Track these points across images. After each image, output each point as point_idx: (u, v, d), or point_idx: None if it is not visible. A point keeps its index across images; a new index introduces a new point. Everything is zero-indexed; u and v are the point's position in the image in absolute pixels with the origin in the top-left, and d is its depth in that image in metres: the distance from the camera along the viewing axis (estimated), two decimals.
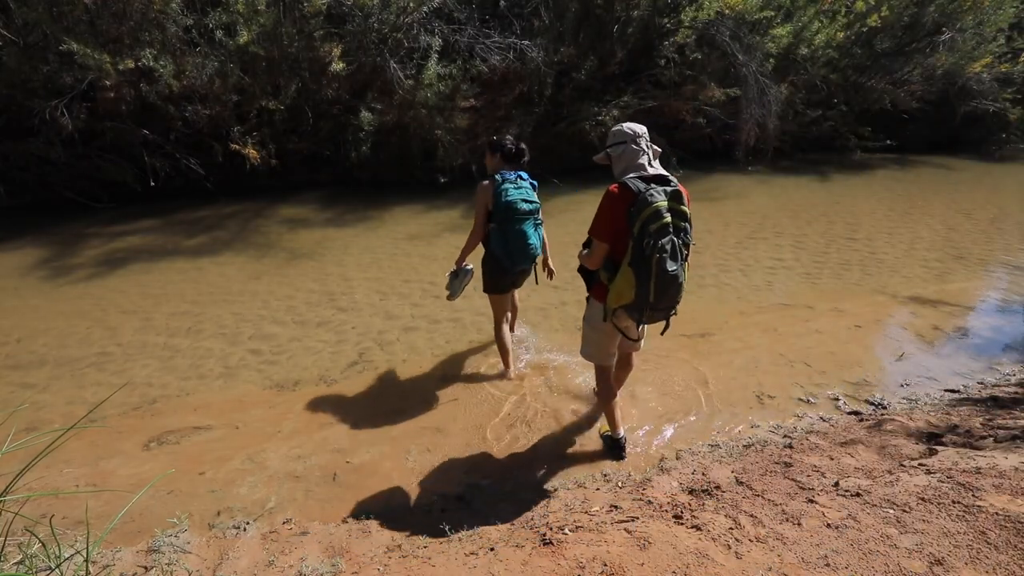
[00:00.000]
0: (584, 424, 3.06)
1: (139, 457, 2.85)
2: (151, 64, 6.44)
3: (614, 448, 2.79)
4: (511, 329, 3.71)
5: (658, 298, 2.24)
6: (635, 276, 2.21)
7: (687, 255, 2.26)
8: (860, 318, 4.40)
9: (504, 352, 3.49)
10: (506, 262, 3.15)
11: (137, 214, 7.13)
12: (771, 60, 9.87)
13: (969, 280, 5.29)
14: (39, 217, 6.97)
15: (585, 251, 2.41)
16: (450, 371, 3.64)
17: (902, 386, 3.50)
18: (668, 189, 2.19)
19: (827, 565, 1.69)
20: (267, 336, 4.14)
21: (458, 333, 4.16)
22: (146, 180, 7.14)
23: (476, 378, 3.56)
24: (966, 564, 1.65)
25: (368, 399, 3.35)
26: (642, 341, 2.74)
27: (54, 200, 7.25)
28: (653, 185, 2.19)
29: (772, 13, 9.53)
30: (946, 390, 3.45)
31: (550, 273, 3.53)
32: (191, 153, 7.41)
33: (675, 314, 2.41)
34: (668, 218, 2.15)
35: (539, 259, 3.37)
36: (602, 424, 2.98)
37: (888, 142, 11.53)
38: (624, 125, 2.37)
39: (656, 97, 9.41)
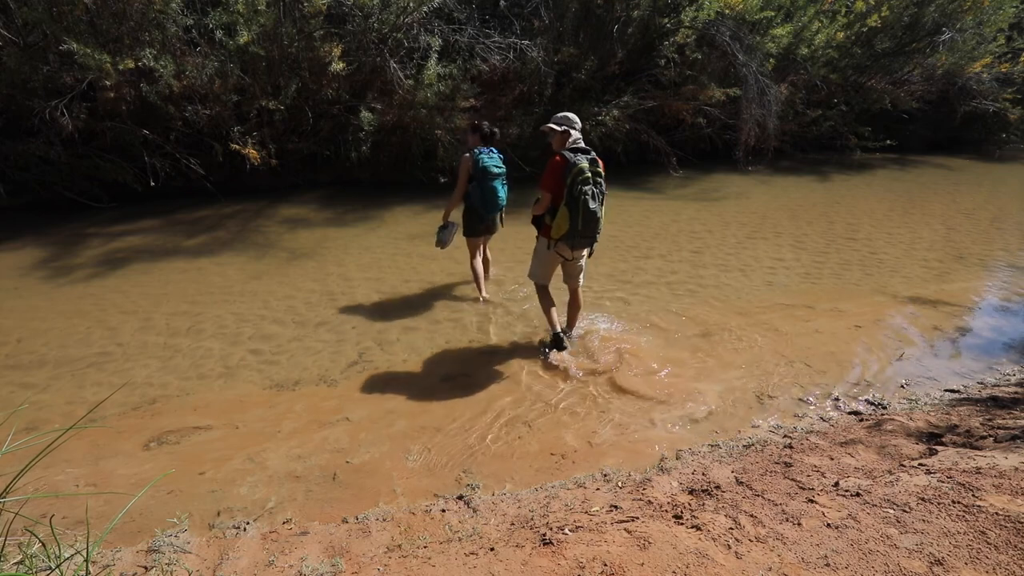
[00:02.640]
0: (584, 424, 3.06)
1: (139, 457, 2.85)
2: (151, 64, 6.43)
3: (555, 341, 3.78)
4: (485, 276, 4.79)
5: (584, 227, 3.37)
6: (569, 212, 3.35)
7: (603, 199, 3.41)
8: (860, 318, 4.40)
9: (477, 279, 4.65)
10: (482, 211, 4.36)
11: (137, 214, 7.13)
12: (771, 60, 9.86)
13: (969, 280, 5.29)
14: (39, 217, 6.97)
15: (536, 202, 3.53)
16: (450, 371, 3.64)
17: (902, 386, 3.50)
18: (588, 157, 3.35)
19: (827, 565, 1.69)
20: (267, 336, 4.14)
21: (458, 333, 4.16)
22: (146, 180, 7.13)
23: (476, 378, 3.56)
24: (966, 564, 1.65)
25: (368, 399, 3.35)
26: (582, 276, 3.84)
27: (54, 200, 7.24)
28: (579, 155, 3.34)
29: (772, 13, 9.53)
30: (946, 390, 3.45)
31: (502, 220, 4.69)
32: (191, 153, 7.40)
33: (596, 242, 3.54)
34: (589, 175, 3.31)
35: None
36: (544, 335, 4.01)
37: (888, 142, 11.53)
38: (569, 115, 3.47)
39: (656, 97, 9.41)
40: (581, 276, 3.83)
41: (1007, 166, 11.83)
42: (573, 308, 3.94)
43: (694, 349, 3.91)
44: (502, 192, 4.34)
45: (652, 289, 4.93)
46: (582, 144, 3.41)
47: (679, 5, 8.90)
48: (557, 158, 3.37)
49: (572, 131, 3.41)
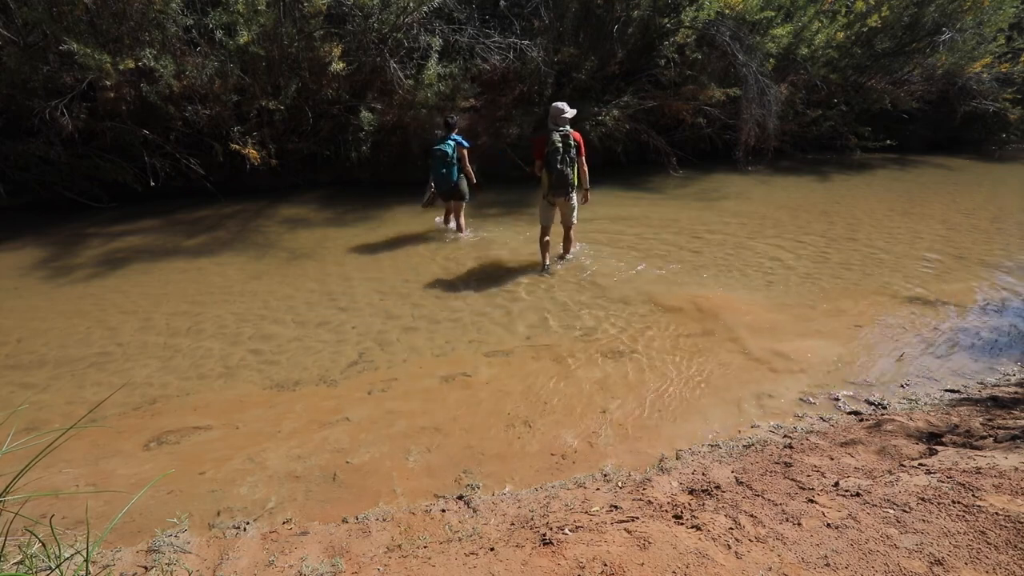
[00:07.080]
0: (584, 423, 3.07)
1: (139, 457, 2.85)
2: (151, 64, 6.43)
3: (543, 271, 5.20)
4: (460, 230, 6.31)
5: (556, 181, 4.88)
6: (546, 172, 4.88)
7: (570, 161, 4.84)
8: (860, 318, 4.40)
9: (445, 221, 6.57)
10: (433, 186, 5.99)
11: (137, 214, 7.13)
12: (771, 60, 9.85)
13: (969, 280, 5.29)
14: (39, 217, 6.97)
15: (534, 165, 5.00)
16: (450, 371, 3.64)
17: (902, 386, 3.50)
18: (559, 133, 4.75)
19: (827, 565, 1.69)
20: (267, 336, 4.14)
21: (458, 333, 4.16)
22: (146, 180, 7.13)
23: (476, 378, 3.56)
24: (966, 564, 1.65)
25: (368, 399, 3.35)
26: (573, 216, 5.23)
27: (54, 200, 7.24)
28: (554, 132, 4.75)
29: (772, 13, 9.52)
30: (946, 390, 3.45)
31: (474, 194, 6.25)
32: (191, 153, 7.40)
33: (572, 192, 5.02)
34: (558, 144, 4.74)
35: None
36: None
37: (888, 142, 11.51)
38: (555, 104, 4.80)
39: (656, 97, 9.40)
40: (573, 217, 5.23)
41: (1007, 166, 11.82)
42: (566, 241, 5.44)
43: (693, 349, 3.91)
44: (442, 170, 5.74)
45: (651, 289, 4.93)
46: (565, 128, 4.78)
47: (679, 5, 8.89)
48: (542, 136, 4.81)
49: (554, 120, 4.78)
